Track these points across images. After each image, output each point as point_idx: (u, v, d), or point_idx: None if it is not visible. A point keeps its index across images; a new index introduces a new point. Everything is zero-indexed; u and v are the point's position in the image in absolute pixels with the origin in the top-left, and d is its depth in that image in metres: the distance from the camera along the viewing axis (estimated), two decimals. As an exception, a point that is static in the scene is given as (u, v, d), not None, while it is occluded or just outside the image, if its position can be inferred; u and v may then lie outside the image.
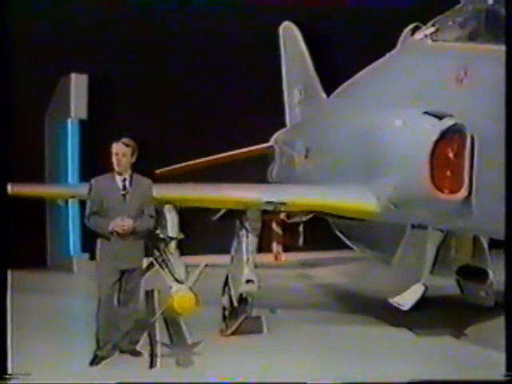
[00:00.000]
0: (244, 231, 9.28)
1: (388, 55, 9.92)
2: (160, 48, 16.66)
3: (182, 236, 8.92)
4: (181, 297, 7.56)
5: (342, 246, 12.13)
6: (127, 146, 7.47)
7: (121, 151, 7.42)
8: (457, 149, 7.02)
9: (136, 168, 7.59)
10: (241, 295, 9.01)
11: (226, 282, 9.25)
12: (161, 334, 7.55)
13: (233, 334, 8.79)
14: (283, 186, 11.77)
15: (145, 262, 7.87)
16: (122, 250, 7.31)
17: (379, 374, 6.93)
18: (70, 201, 12.74)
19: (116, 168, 7.44)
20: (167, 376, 6.91)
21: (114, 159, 7.43)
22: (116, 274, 7.37)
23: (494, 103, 6.27)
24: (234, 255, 9.55)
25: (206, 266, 7.92)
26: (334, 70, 15.39)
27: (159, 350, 7.39)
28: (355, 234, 11.31)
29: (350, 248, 11.92)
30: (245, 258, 9.14)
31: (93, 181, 7.60)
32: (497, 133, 6.15)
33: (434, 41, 8.54)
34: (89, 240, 10.18)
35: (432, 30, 8.65)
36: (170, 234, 8.81)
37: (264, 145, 15.24)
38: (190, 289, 7.68)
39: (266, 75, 16.27)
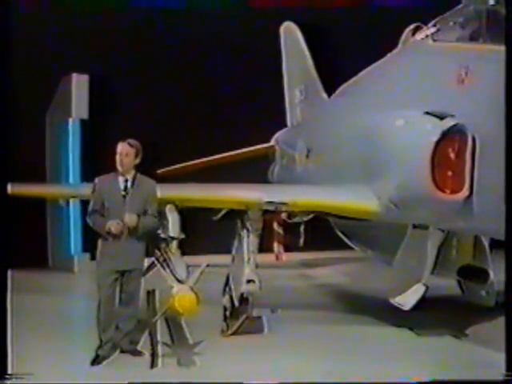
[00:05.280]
0: (245, 231, 9.27)
1: (389, 55, 9.93)
2: (161, 48, 16.67)
3: (183, 236, 8.92)
4: (182, 297, 7.56)
5: (343, 246, 12.14)
6: (131, 146, 7.48)
7: (124, 151, 7.44)
8: (458, 149, 7.03)
9: (139, 169, 7.59)
10: (242, 295, 8.99)
11: (227, 282, 9.25)
12: (162, 333, 7.54)
13: (234, 334, 8.79)
14: (284, 186, 11.78)
15: (146, 262, 7.87)
16: (121, 251, 7.31)
17: (379, 374, 6.92)
18: (71, 201, 12.76)
19: (119, 167, 7.45)
20: (168, 376, 6.91)
21: (117, 158, 7.45)
22: (114, 274, 7.37)
23: (495, 103, 6.27)
24: (235, 255, 9.54)
25: (207, 266, 7.92)
26: (334, 70, 15.39)
27: (160, 349, 7.39)
28: (356, 234, 11.32)
29: (351, 248, 11.93)
30: (246, 258, 9.14)
31: (96, 180, 7.62)
32: (498, 133, 6.15)
33: (434, 41, 8.54)
34: (89, 240, 10.20)
35: (433, 30, 8.66)
36: (172, 234, 8.81)
37: (265, 145, 15.25)
38: (191, 289, 7.67)
39: (266, 75, 16.27)
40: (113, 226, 7.22)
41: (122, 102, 16.65)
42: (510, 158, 5.87)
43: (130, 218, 7.26)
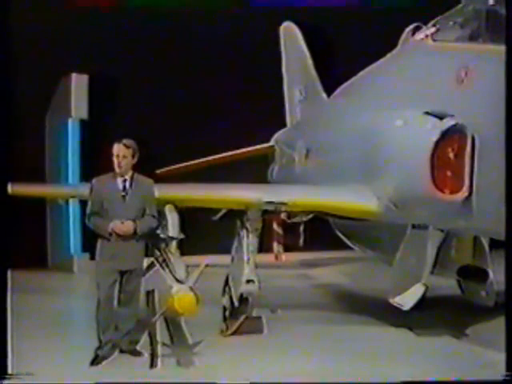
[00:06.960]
0: (245, 231, 9.27)
1: (389, 55, 9.93)
2: (160, 48, 16.68)
3: (182, 236, 8.91)
4: (181, 297, 7.55)
5: (343, 246, 12.14)
6: (128, 147, 7.43)
7: (121, 153, 7.39)
8: (457, 149, 7.03)
9: (136, 168, 7.58)
10: (241, 295, 9.00)
11: (227, 282, 9.25)
12: (161, 334, 7.54)
13: (233, 334, 8.78)
14: (284, 186, 11.77)
15: (145, 262, 7.86)
16: (121, 251, 7.29)
17: (379, 374, 6.92)
18: (71, 201, 12.76)
19: (116, 169, 7.41)
20: (168, 376, 6.91)
21: (115, 161, 7.40)
22: (115, 274, 7.36)
23: (495, 103, 6.27)
24: (234, 255, 9.54)
25: (207, 265, 7.91)
26: (334, 70, 15.40)
27: (160, 350, 7.39)
28: (356, 234, 11.31)
29: (351, 248, 11.93)
30: (245, 258, 9.14)
31: (94, 181, 7.60)
32: (497, 133, 6.15)
33: (434, 41, 8.54)
34: (89, 240, 10.20)
35: (433, 30, 8.66)
36: (171, 234, 8.80)
37: (264, 145, 15.25)
38: (191, 289, 7.66)
39: (266, 75, 16.27)
40: (117, 227, 7.23)
41: (121, 102, 16.66)
42: (509, 158, 5.87)
43: (127, 225, 7.27)
